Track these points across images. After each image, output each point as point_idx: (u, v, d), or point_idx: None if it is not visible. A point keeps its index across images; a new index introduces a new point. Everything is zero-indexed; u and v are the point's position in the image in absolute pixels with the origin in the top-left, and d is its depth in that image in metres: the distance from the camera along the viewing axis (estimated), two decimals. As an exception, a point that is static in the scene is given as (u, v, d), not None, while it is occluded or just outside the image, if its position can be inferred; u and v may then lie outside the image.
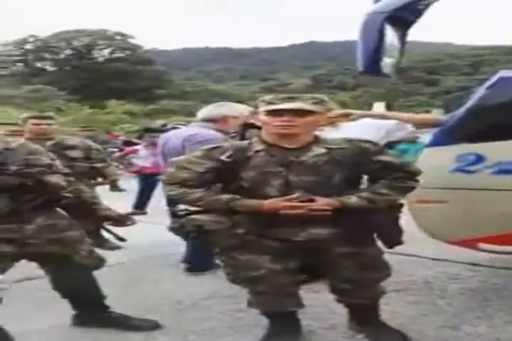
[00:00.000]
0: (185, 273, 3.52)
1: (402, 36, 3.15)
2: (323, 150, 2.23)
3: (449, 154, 2.70)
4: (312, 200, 2.13)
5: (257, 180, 2.20)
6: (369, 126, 3.21)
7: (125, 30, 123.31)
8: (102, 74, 46.49)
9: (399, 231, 2.28)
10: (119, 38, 53.68)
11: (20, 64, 51.94)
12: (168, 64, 61.13)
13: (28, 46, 52.22)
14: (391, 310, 2.64)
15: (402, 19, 3.01)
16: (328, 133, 2.66)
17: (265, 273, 2.23)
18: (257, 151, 2.24)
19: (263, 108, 2.20)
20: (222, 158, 2.23)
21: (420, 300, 2.88)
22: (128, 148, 7.91)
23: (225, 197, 2.20)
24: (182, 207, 2.33)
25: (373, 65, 2.92)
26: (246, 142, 2.36)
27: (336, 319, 2.57)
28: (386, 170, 2.24)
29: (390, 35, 3.00)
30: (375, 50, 2.89)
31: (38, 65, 52.16)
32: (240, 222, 2.21)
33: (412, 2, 2.90)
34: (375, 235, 2.29)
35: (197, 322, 2.63)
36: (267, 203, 2.15)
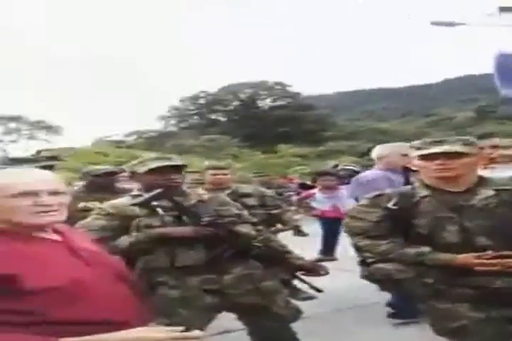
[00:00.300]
0: (388, 325, 3.36)
1: None
2: (492, 192, 2.19)
3: None
4: (507, 255, 2.03)
5: (432, 226, 2.17)
6: None
7: (283, 79, 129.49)
8: (268, 122, 49.55)
9: None
10: (278, 87, 56.81)
11: (196, 117, 57.50)
12: (327, 107, 62.96)
13: (201, 101, 57.51)
14: None
15: None
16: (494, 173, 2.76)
17: (467, 323, 2.12)
18: (423, 197, 2.24)
19: (414, 153, 2.25)
20: (389, 205, 2.25)
21: None
22: (304, 192, 7.71)
23: (413, 250, 2.18)
24: (368, 255, 2.32)
25: None
26: (409, 187, 2.38)
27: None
28: None
29: None
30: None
31: (212, 116, 57.23)
32: (427, 271, 2.17)
33: None
34: None
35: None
36: (461, 258, 2.10)
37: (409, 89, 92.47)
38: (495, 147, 3.36)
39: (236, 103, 56.86)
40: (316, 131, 47.44)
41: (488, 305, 2.10)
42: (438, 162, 2.15)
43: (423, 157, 2.20)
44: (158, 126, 54.88)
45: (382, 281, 2.27)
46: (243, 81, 58.44)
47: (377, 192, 2.34)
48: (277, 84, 57.10)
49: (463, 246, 2.12)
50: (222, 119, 56.59)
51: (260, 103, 57.04)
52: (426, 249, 2.16)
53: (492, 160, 3.21)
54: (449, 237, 2.14)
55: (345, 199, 5.24)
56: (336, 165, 9.29)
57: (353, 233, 2.32)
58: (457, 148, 2.16)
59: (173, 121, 57.38)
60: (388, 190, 2.37)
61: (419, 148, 2.23)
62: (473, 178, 2.22)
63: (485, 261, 2.05)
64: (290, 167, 29.48)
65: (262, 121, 49.91)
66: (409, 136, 34.96)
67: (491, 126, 36.68)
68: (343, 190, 5.81)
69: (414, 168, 2.34)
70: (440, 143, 2.19)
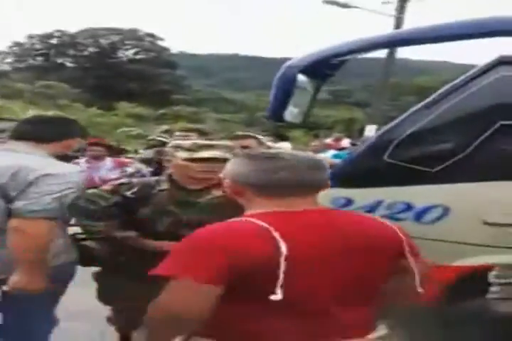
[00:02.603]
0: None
1: (317, 87, 3.40)
2: (221, 193, 2.35)
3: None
4: None
5: (152, 216, 2.43)
6: None
7: (158, 32, 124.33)
8: (121, 75, 45.86)
9: None
10: (148, 39, 53.43)
11: (40, 58, 51.52)
12: (194, 69, 60.90)
13: (54, 41, 52.21)
14: None
15: (317, 73, 3.20)
16: None
17: (127, 296, 2.42)
18: (162, 190, 2.48)
19: (184, 154, 2.42)
20: (127, 194, 2.46)
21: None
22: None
23: (122, 234, 2.45)
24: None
25: (277, 113, 3.08)
26: (155, 179, 2.62)
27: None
28: None
29: (303, 86, 3.20)
30: (282, 100, 3.04)
31: (59, 60, 51.87)
32: (125, 251, 2.46)
33: (324, 59, 3.01)
34: None
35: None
36: (158, 243, 2.36)
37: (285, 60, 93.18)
38: (246, 147, 3.45)
39: (93, 49, 52.48)
40: (166, 92, 44.79)
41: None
42: (204, 165, 2.40)
43: (192, 159, 2.41)
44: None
45: (82, 257, 2.41)
46: (111, 26, 54.28)
47: (124, 180, 2.64)
48: (148, 35, 53.65)
49: (169, 235, 2.32)
50: (70, 65, 51.49)
51: (121, 53, 53.26)
52: (132, 233, 2.45)
53: None
54: (159, 227, 2.44)
55: (106, 172, 5.50)
56: (167, 131, 8.89)
57: (77, 212, 2.38)
58: (225, 155, 2.40)
59: (9, 59, 51.43)
60: (136, 179, 2.70)
61: (188, 150, 2.43)
62: (216, 180, 2.30)
63: None
64: (120, 127, 27.66)
65: (115, 74, 45.96)
66: (260, 110, 34.32)
67: (343, 111, 37.16)
68: (109, 162, 5.83)
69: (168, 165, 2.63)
70: (210, 147, 2.45)
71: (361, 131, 14.64)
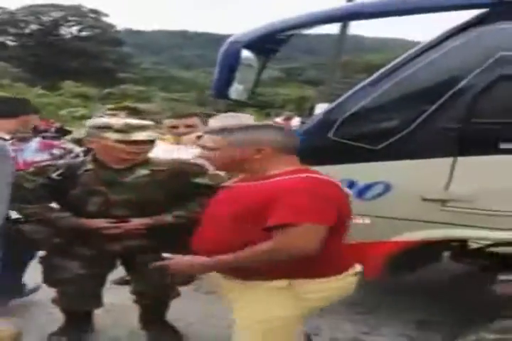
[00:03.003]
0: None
1: (263, 63, 3.27)
2: (147, 172, 2.47)
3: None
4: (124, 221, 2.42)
5: (81, 197, 2.43)
6: None
7: (102, 8, 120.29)
8: (64, 53, 44.22)
9: None
10: (92, 15, 51.55)
11: (-22, 37, 49.25)
12: (140, 46, 59.45)
13: (-7, 18, 49.74)
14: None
15: (262, 48, 3.09)
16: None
17: (72, 276, 2.51)
18: (87, 170, 2.46)
19: (116, 136, 2.37)
20: (53, 175, 2.44)
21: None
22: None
23: (55, 214, 2.47)
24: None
25: (222, 90, 3.01)
26: (80, 160, 2.59)
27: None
28: (202, 190, 2.39)
29: (248, 62, 3.11)
30: (226, 77, 2.97)
31: (0, 39, 49.77)
32: (60, 232, 2.48)
33: (270, 34, 2.92)
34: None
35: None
36: (90, 221, 2.42)
37: (223, 37, 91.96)
38: (191, 126, 3.53)
39: (35, 26, 50.27)
40: (112, 71, 43.68)
41: (98, 264, 2.54)
42: (137, 147, 2.41)
43: (127, 141, 2.38)
44: None
45: (17, 239, 2.47)
46: (52, 2, 51.92)
47: (48, 162, 2.67)
48: (92, 11, 51.69)
49: (102, 215, 2.43)
50: (11, 43, 49.13)
51: (64, 30, 51.24)
52: (66, 214, 2.46)
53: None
54: (90, 207, 2.45)
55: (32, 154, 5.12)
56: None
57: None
58: (156, 135, 2.56)
59: None
60: (61, 161, 2.67)
61: (119, 131, 2.38)
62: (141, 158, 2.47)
63: (109, 225, 2.41)
64: (65, 108, 26.87)
65: (58, 52, 44.30)
66: (208, 88, 33.85)
67: (294, 89, 37.05)
68: (35, 143, 5.33)
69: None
70: (142, 129, 2.43)
71: (312, 109, 14.60)
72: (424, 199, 2.63)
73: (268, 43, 3.06)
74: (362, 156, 2.69)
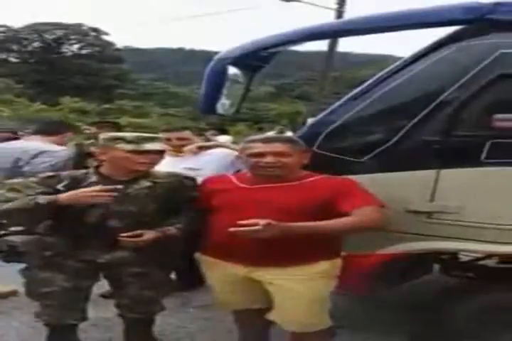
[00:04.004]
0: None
1: (250, 79, 3.33)
2: (149, 184, 2.53)
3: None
4: (141, 234, 2.40)
5: (82, 209, 2.41)
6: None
7: (103, 27, 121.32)
8: (65, 70, 44.75)
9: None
10: (93, 33, 52.16)
11: (-18, 54, 49.70)
12: (139, 63, 59.82)
13: (-2, 36, 50.22)
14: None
15: (248, 65, 3.15)
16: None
17: (56, 289, 2.49)
18: (92, 182, 2.47)
19: (128, 146, 2.43)
20: (59, 187, 2.43)
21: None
22: None
23: (28, 198, 2.34)
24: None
25: (208, 106, 3.05)
26: (83, 172, 2.58)
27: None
28: (190, 203, 2.55)
29: (236, 78, 3.16)
30: (213, 93, 3.01)
31: (2, 56, 49.93)
32: (51, 245, 2.46)
33: (255, 51, 2.97)
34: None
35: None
36: (65, 195, 2.33)
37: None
38: (183, 139, 3.80)
39: (37, 44, 50.81)
40: (112, 87, 44.08)
41: (84, 276, 2.54)
42: (148, 157, 2.49)
43: (138, 152, 2.45)
44: None
45: (7, 252, 2.47)
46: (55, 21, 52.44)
47: (52, 173, 2.58)
48: (93, 30, 52.27)
49: (99, 226, 2.45)
50: (14, 60, 49.78)
51: (65, 48, 51.77)
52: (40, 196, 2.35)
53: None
54: (90, 218, 2.45)
55: None
56: None
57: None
58: (165, 146, 2.75)
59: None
60: (64, 173, 2.60)
61: (131, 142, 2.46)
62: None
63: (88, 194, 2.33)
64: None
65: (59, 69, 44.80)
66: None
67: (286, 104, 37.22)
68: None
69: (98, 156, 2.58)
70: (151, 140, 2.52)
71: (304, 124, 14.70)
72: (408, 211, 2.65)
73: (254, 60, 3.11)
74: (347, 168, 2.71)
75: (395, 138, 2.66)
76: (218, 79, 2.97)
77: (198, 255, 2.64)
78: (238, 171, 3.02)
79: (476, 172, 2.56)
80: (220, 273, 2.53)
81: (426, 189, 2.62)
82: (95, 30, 52.21)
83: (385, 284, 2.88)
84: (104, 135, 2.60)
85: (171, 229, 2.49)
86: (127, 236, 2.40)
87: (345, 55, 40.74)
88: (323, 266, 2.43)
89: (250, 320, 2.70)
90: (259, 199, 2.38)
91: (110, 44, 52.13)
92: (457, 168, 2.60)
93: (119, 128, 5.28)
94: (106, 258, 2.50)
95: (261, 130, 15.41)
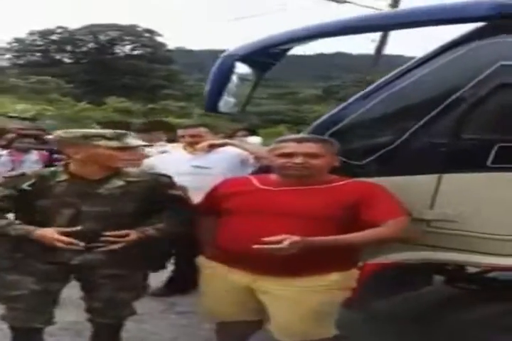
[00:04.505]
0: None
1: (258, 77, 3.22)
2: (122, 183, 2.40)
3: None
4: (126, 234, 2.32)
5: (51, 208, 2.33)
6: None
7: (158, 28, 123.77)
8: (117, 70, 45.62)
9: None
10: (146, 35, 53.18)
11: (39, 54, 51.04)
12: (189, 64, 60.47)
13: (54, 37, 51.78)
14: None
15: (257, 62, 3.04)
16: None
17: (25, 292, 2.38)
18: (60, 181, 2.37)
19: (112, 143, 2.33)
20: (24, 186, 2.33)
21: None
22: None
23: (5, 221, 2.32)
24: None
25: (212, 103, 2.95)
26: (52, 170, 2.47)
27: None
28: (173, 202, 2.45)
29: (243, 76, 3.06)
30: (218, 91, 2.91)
31: (57, 56, 51.43)
32: (22, 247, 2.36)
33: (264, 48, 2.86)
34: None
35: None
36: (40, 231, 2.25)
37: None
38: (196, 136, 3.88)
39: (92, 45, 52.15)
40: (159, 87, 44.53)
41: (55, 279, 2.43)
42: (131, 153, 2.46)
43: (124, 148, 2.37)
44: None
45: None
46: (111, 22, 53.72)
47: (21, 171, 2.49)
48: (147, 31, 53.27)
49: (69, 227, 2.29)
50: (68, 61, 51.06)
51: (118, 49, 52.95)
52: (31, 228, 2.29)
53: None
54: (60, 220, 2.33)
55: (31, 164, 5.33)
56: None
57: None
58: (143, 143, 2.82)
59: (8, 55, 50.81)
60: (30, 171, 2.51)
61: (111, 139, 2.34)
62: (114, 169, 2.42)
63: (60, 238, 2.23)
64: (103, 122, 27.51)
65: (111, 69, 45.65)
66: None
67: (331, 106, 36.74)
68: (34, 155, 5.60)
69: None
70: (126, 136, 2.41)
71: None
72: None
73: (263, 57, 3.00)
74: (347, 171, 2.56)
75: (398, 141, 2.53)
76: (223, 76, 2.86)
77: (199, 259, 2.52)
78: (258, 172, 2.83)
79: (481, 178, 2.41)
80: (219, 281, 2.40)
81: (426, 195, 2.47)
82: (149, 31, 53.10)
83: (375, 296, 2.72)
84: (73, 132, 2.42)
85: (149, 230, 2.38)
86: (111, 236, 2.31)
87: (396, 58, 40.14)
88: (334, 277, 2.30)
89: (236, 332, 2.56)
90: (281, 202, 2.27)
91: (162, 45, 52.95)
92: (460, 173, 2.45)
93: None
94: (79, 260, 2.38)
95: (299, 132, 15.33)
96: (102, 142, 2.33)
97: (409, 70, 2.59)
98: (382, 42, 16.84)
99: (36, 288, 2.40)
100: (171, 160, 3.88)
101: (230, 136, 4.58)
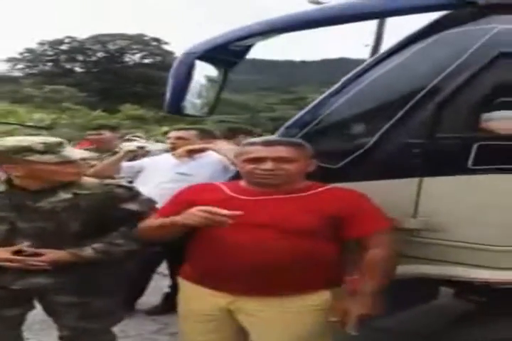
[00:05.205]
0: None
1: (224, 76, 2.98)
2: (69, 196, 2.13)
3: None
4: (40, 254, 2.07)
5: None
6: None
7: (164, 36, 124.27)
8: (127, 79, 46.04)
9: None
10: (154, 43, 53.61)
11: (50, 64, 51.66)
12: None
13: (64, 47, 52.45)
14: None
15: (219, 59, 2.81)
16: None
17: None
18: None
19: (51, 157, 2.06)
20: None
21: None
22: None
23: None
24: None
25: (174, 105, 2.69)
26: None
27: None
28: (129, 218, 2.17)
29: (206, 75, 2.88)
30: (179, 91, 2.66)
31: (68, 66, 52.01)
32: None
33: (224, 44, 2.62)
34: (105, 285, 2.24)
35: None
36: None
37: (287, 63, 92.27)
38: (180, 138, 3.96)
39: (101, 54, 52.69)
40: (171, 95, 44.93)
41: (8, 305, 2.20)
42: (71, 165, 2.17)
43: (67, 162, 2.15)
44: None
45: None
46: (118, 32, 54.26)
47: None
48: (154, 39, 53.70)
49: (5, 245, 2.09)
50: (79, 70, 51.66)
51: (128, 57, 53.48)
52: None
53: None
54: None
55: None
56: (166, 132, 8.83)
57: None
58: (86, 153, 2.48)
59: (21, 65, 51.45)
60: None
61: (46, 152, 2.08)
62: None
63: (8, 256, 2.04)
64: (118, 129, 27.61)
65: (121, 78, 46.11)
66: (260, 110, 33.78)
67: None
68: None
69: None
70: (63, 146, 2.17)
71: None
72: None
73: (225, 54, 2.75)
74: (320, 176, 2.32)
75: (370, 142, 2.31)
76: (185, 75, 2.62)
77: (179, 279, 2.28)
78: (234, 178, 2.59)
79: (463, 181, 2.19)
80: (195, 305, 2.15)
81: (397, 201, 2.25)
82: (156, 40, 53.63)
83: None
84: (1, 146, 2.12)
85: (85, 250, 2.12)
86: (29, 255, 2.06)
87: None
88: (323, 296, 2.08)
89: None
90: (258, 212, 2.03)
91: (170, 53, 53.30)
92: (442, 176, 2.23)
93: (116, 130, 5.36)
94: (20, 285, 2.14)
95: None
96: (35, 157, 2.06)
97: (377, 62, 2.39)
98: (376, 46, 16.60)
99: None
100: (160, 165, 3.78)
101: (230, 139, 4.47)
